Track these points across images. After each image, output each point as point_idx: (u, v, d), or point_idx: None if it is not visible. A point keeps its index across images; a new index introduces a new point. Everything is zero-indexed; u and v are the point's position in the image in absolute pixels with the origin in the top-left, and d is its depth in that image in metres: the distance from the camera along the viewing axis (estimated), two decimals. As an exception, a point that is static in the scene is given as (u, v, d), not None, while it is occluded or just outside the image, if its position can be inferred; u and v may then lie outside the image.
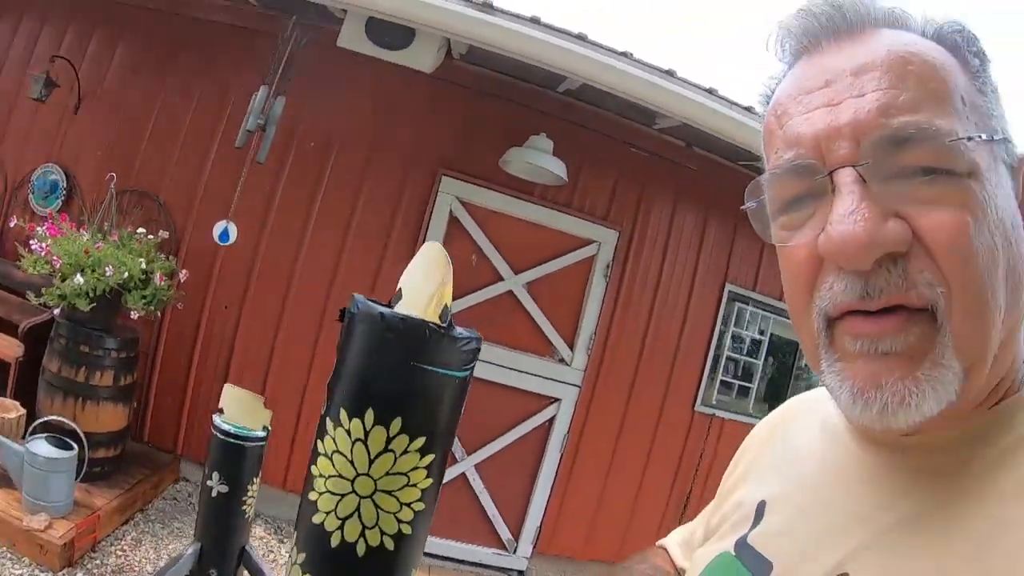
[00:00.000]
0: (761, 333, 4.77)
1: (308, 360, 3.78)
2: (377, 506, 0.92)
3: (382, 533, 0.96)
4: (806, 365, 5.05)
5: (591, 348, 4.19)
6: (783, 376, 4.98)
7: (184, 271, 3.37)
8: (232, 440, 2.02)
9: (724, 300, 4.51)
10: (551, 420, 4.14)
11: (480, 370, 3.75)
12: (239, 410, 2.10)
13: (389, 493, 0.92)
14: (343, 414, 0.85)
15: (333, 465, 0.92)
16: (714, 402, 4.59)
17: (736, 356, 4.73)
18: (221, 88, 3.75)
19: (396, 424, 0.87)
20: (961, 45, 0.51)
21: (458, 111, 3.87)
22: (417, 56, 3.15)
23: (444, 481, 3.67)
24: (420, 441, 0.88)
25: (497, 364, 3.97)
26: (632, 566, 0.89)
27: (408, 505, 1.01)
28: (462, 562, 4.04)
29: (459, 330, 0.92)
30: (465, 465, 3.95)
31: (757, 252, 4.53)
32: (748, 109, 3.59)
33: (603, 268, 4.21)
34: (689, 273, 4.43)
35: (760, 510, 0.64)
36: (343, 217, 3.76)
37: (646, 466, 4.36)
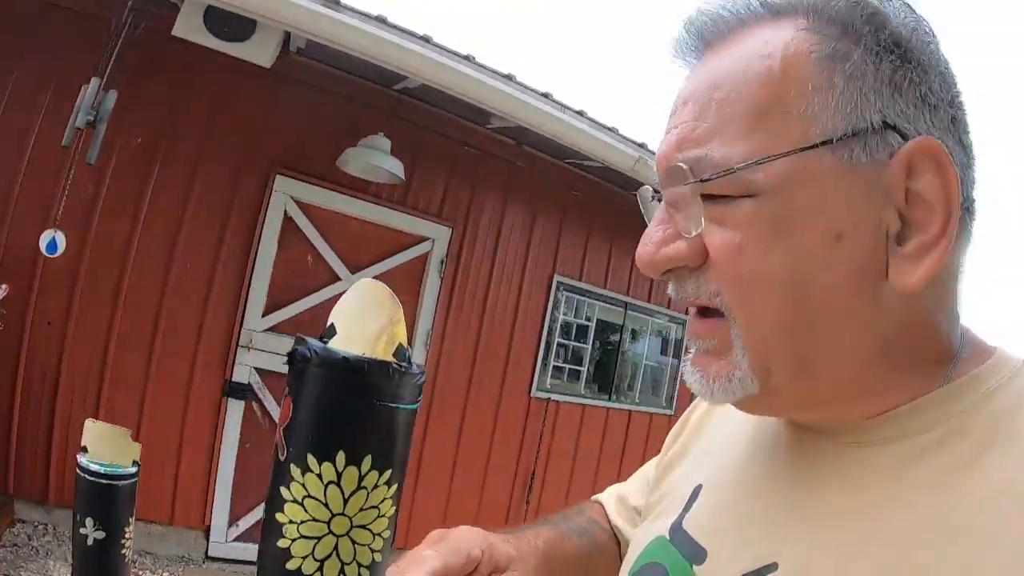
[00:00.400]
0: (588, 319, 5.13)
1: (142, 379, 3.45)
2: (354, 542, 0.95)
3: (359, 566, 0.99)
4: (630, 346, 5.53)
5: (428, 344, 4.26)
6: (609, 357, 5.39)
7: (4, 286, 2.90)
8: (103, 481, 1.83)
9: (553, 290, 4.78)
10: (395, 418, 4.13)
11: None
12: (105, 446, 1.91)
13: (364, 527, 0.96)
14: (312, 460, 0.85)
15: (305, 510, 0.93)
16: (548, 386, 4.87)
17: (566, 342, 5.05)
18: (39, 77, 3.23)
19: (367, 462, 0.90)
20: (827, 26, 0.48)
21: (294, 108, 3.71)
22: (257, 50, 2.98)
23: None
24: (388, 473, 0.93)
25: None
26: (569, 515, 0.90)
27: (379, 534, 1.04)
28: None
29: (414, 366, 0.98)
30: (314, 472, 3.83)
31: (582, 244, 4.86)
32: (580, 113, 3.84)
33: (438, 264, 4.28)
34: (520, 266, 4.63)
35: (695, 493, 0.65)
36: (172, 221, 3.46)
37: (490, 454, 4.53)
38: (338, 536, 0.89)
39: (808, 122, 0.46)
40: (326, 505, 0.90)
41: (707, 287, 0.50)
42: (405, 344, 0.87)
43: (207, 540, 3.57)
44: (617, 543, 0.88)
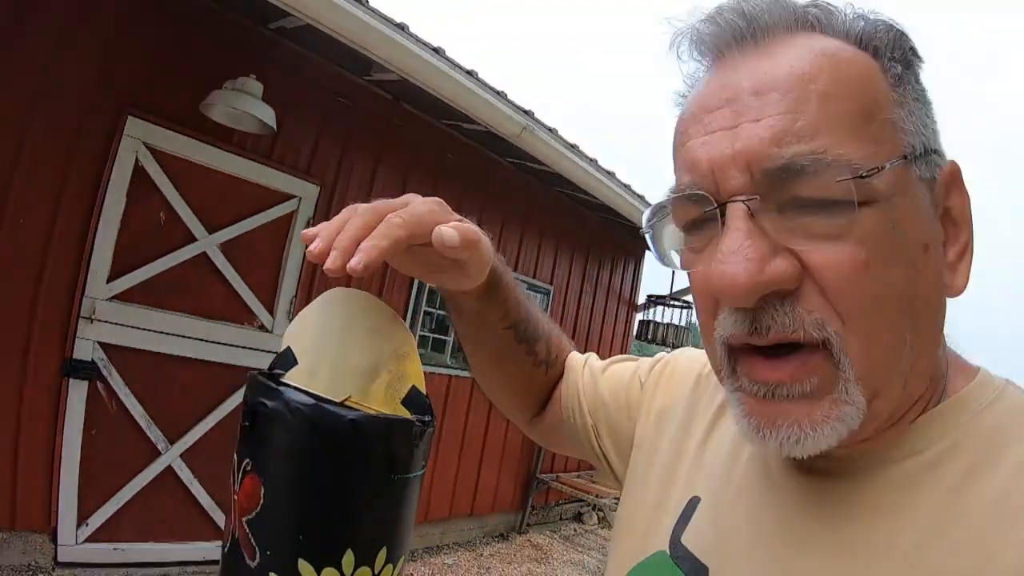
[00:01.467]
0: None
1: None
2: None
3: None
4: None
5: (292, 312, 3.92)
6: None
7: None
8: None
9: (424, 256, 4.61)
10: (256, 393, 3.78)
11: (176, 346, 3.33)
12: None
13: None
14: (305, 567, 0.63)
15: None
16: (415, 355, 4.71)
17: (432, 310, 4.92)
18: None
19: (382, 557, 0.69)
20: (882, 50, 0.49)
21: (154, 40, 3.16)
22: (114, -32, 2.47)
23: (151, 479, 3.04)
24: (401, 559, 0.73)
25: (193, 337, 3.48)
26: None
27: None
28: (186, 563, 3.54)
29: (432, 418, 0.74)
30: (170, 457, 3.40)
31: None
32: (471, 73, 3.66)
33: (303, 225, 3.93)
34: (391, 229, 4.38)
35: (692, 506, 0.64)
36: (2, 168, 2.80)
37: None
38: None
39: (899, 133, 0.47)
40: (326, 626, 0.66)
41: (809, 316, 0.45)
42: (422, 387, 0.66)
43: (55, 544, 3.04)
44: (551, 376, 0.88)
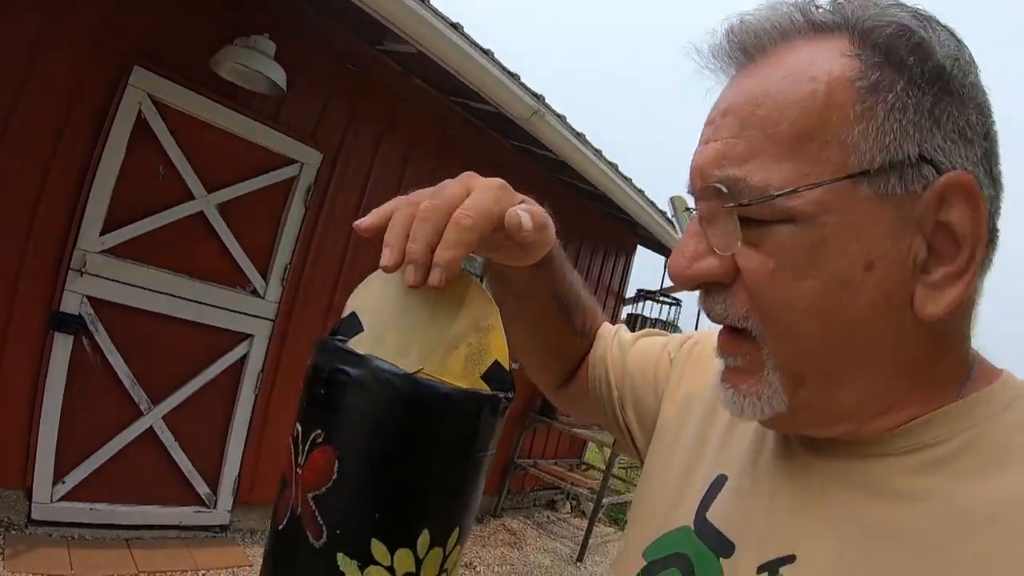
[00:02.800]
0: None
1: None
2: None
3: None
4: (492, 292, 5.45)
5: (286, 279, 3.86)
6: None
7: None
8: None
9: (422, 233, 4.54)
10: (244, 358, 3.72)
11: (165, 305, 3.26)
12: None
13: None
14: (378, 547, 0.60)
15: None
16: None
17: None
18: None
19: (454, 537, 0.66)
20: (872, 52, 0.48)
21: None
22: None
23: (131, 439, 2.97)
24: (469, 540, 0.71)
25: (184, 298, 3.40)
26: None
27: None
28: (162, 527, 3.49)
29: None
30: (152, 418, 3.34)
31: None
32: (487, 52, 3.58)
33: (303, 192, 3.86)
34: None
35: (719, 484, 0.66)
36: (1, 109, 2.68)
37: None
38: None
39: (848, 151, 0.47)
40: (395, 608, 0.62)
41: (736, 309, 0.52)
42: (505, 362, 0.62)
43: (29, 502, 2.97)
44: (583, 345, 0.91)
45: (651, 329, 0.93)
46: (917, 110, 0.46)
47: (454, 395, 0.57)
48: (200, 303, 3.48)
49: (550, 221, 0.62)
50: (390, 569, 0.57)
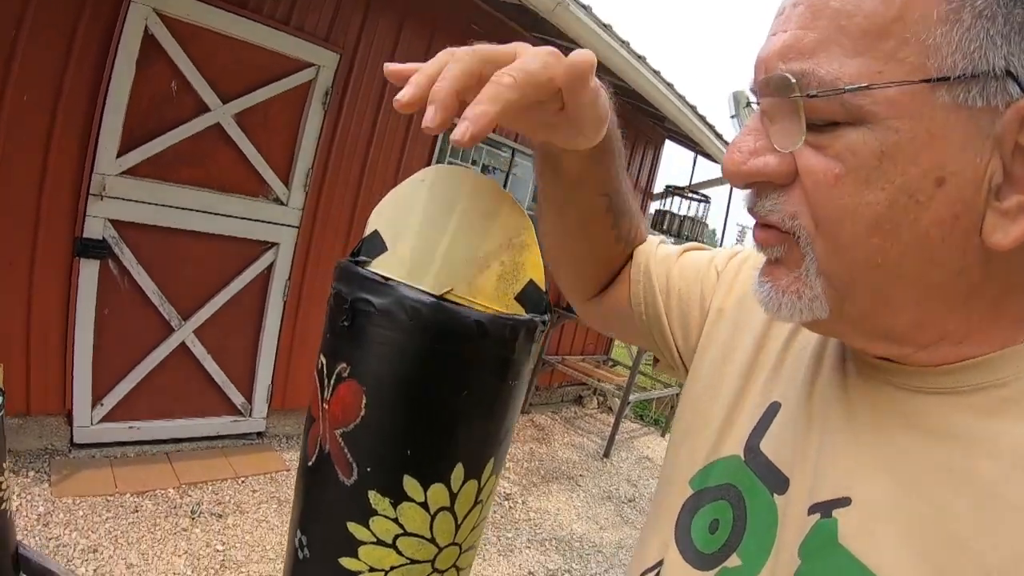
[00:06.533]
0: (473, 163, 4.93)
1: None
2: (459, 569, 0.69)
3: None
4: (513, 191, 5.36)
5: (308, 185, 3.77)
6: None
7: None
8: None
9: (440, 135, 4.41)
10: (270, 267, 3.71)
11: (189, 220, 3.21)
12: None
13: (472, 547, 0.70)
14: (411, 483, 0.57)
15: (399, 552, 0.64)
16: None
17: (455, 162, 4.79)
18: None
19: (488, 468, 0.63)
20: None
21: None
22: None
23: (164, 356, 3.02)
24: (501, 468, 0.69)
25: (207, 212, 3.34)
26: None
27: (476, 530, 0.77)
28: (199, 439, 3.62)
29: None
30: (183, 333, 3.38)
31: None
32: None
33: (321, 95, 3.70)
34: (410, 104, 4.14)
35: (772, 412, 0.63)
36: (4, 42, 2.52)
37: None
38: (443, 571, 0.63)
39: (927, 53, 0.42)
40: (432, 540, 0.61)
41: (785, 208, 0.50)
42: (541, 281, 0.58)
43: (71, 426, 3.07)
44: (624, 254, 0.86)
45: (696, 243, 0.88)
46: (1008, 21, 0.41)
47: (486, 322, 0.53)
48: (223, 215, 3.42)
49: (602, 91, 0.58)
50: (424, 505, 0.56)
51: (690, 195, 6.77)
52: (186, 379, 3.46)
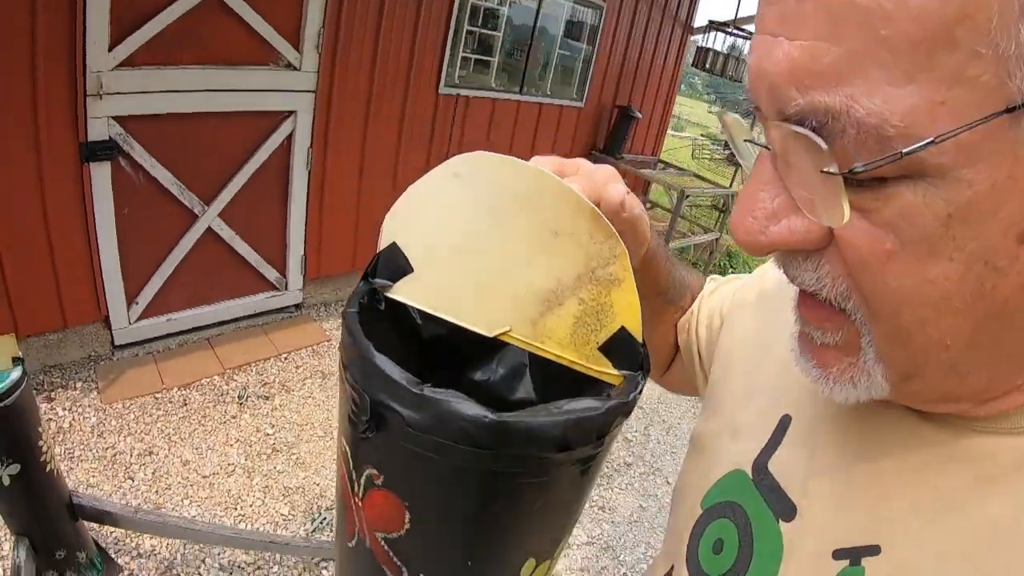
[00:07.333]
0: (500, 3, 4.52)
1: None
2: None
3: None
4: (541, 33, 4.95)
5: (321, 45, 3.47)
6: (519, 49, 4.88)
7: None
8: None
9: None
10: (290, 136, 3.53)
11: (197, 103, 3.09)
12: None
13: None
14: None
15: None
16: (457, 80, 4.36)
17: (474, 29, 4.43)
18: None
19: (560, 548, 0.56)
20: None
21: None
22: None
23: (192, 244, 3.00)
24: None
25: (216, 90, 3.12)
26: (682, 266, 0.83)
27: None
28: (239, 319, 3.70)
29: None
30: (209, 218, 3.31)
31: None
32: None
33: (323, -54, 3.29)
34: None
35: (783, 426, 0.57)
36: None
37: (397, 160, 4.12)
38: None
39: (1007, 67, 0.30)
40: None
41: (833, 285, 0.40)
42: (636, 329, 0.45)
43: (110, 330, 3.13)
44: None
45: (739, 275, 0.82)
46: None
47: (570, 432, 0.41)
48: (233, 91, 3.21)
49: (645, 215, 0.54)
50: None
51: (734, 31, 6.15)
52: (217, 263, 3.46)
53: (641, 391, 0.44)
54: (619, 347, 0.44)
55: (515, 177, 0.42)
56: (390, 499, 0.44)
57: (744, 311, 0.71)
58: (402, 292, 0.43)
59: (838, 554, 0.46)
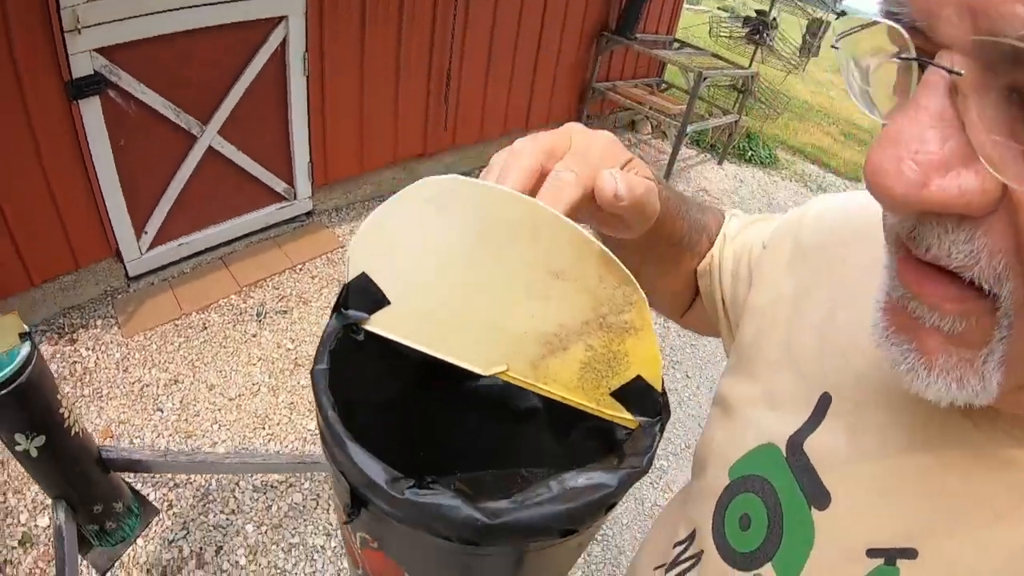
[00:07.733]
0: None
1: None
2: None
3: None
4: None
5: (308, -56, 3.28)
6: None
7: None
8: (6, 388, 1.45)
9: None
10: (283, 43, 3.40)
11: (181, 20, 3.10)
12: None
13: None
14: None
15: None
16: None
17: None
18: None
19: None
20: None
21: None
22: None
23: (194, 167, 2.99)
24: None
25: (199, 4, 2.98)
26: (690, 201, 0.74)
27: None
28: (251, 235, 3.74)
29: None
30: (208, 137, 3.27)
31: None
32: None
33: None
34: None
35: (823, 405, 0.52)
36: None
37: (398, 55, 3.96)
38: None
39: None
40: None
41: (989, 259, 0.31)
42: (655, 378, 0.42)
43: (122, 263, 3.20)
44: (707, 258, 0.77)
45: (765, 215, 0.76)
46: None
47: (567, 520, 0.38)
48: (217, 2, 3.07)
49: (653, 190, 0.47)
50: None
51: None
52: (222, 181, 3.45)
53: (658, 445, 0.40)
54: (634, 395, 0.41)
55: (503, 205, 0.38)
56: (389, 563, 0.44)
57: (776, 266, 0.64)
58: (381, 324, 0.39)
59: (872, 552, 0.44)
